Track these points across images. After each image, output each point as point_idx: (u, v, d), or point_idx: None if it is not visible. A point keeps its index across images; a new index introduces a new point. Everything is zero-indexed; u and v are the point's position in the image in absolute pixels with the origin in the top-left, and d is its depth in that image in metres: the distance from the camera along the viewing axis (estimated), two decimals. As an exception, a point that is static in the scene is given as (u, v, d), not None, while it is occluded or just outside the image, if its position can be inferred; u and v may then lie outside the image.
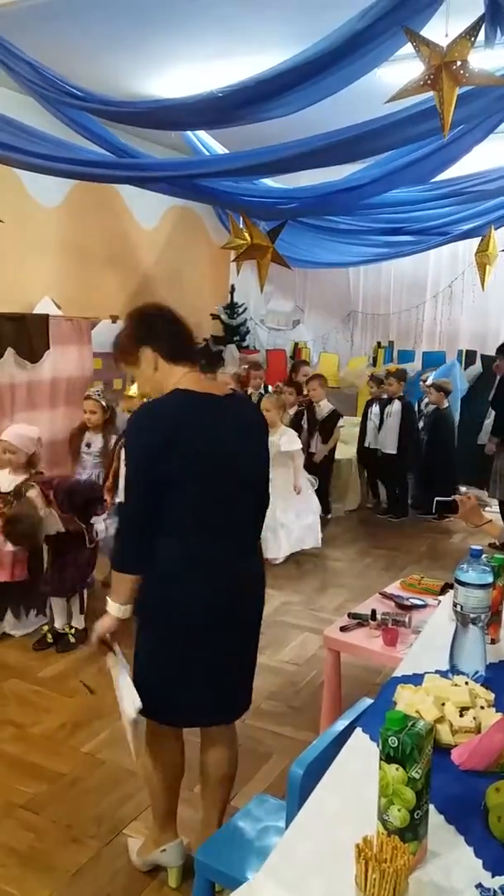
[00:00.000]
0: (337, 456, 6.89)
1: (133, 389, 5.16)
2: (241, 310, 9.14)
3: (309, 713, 3.33)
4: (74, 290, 7.52)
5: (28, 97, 5.32)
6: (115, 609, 2.12)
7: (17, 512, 3.77)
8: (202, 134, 6.13)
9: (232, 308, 9.10)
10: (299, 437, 5.91)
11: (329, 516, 6.64)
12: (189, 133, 6.06)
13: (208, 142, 6.13)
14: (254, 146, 4.83)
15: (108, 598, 2.14)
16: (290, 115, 4.37)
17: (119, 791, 2.79)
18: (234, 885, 1.78)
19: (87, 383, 6.93)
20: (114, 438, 4.66)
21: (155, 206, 8.54)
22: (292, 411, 6.70)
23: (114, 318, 7.72)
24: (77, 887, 2.33)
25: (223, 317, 9.09)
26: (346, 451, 7.21)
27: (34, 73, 4.74)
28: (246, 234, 5.44)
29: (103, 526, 4.09)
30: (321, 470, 6.37)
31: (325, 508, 6.46)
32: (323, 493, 6.33)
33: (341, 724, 1.81)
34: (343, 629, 3.04)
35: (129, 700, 2.08)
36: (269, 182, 6.15)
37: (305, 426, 6.55)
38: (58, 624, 4.09)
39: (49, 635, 4.06)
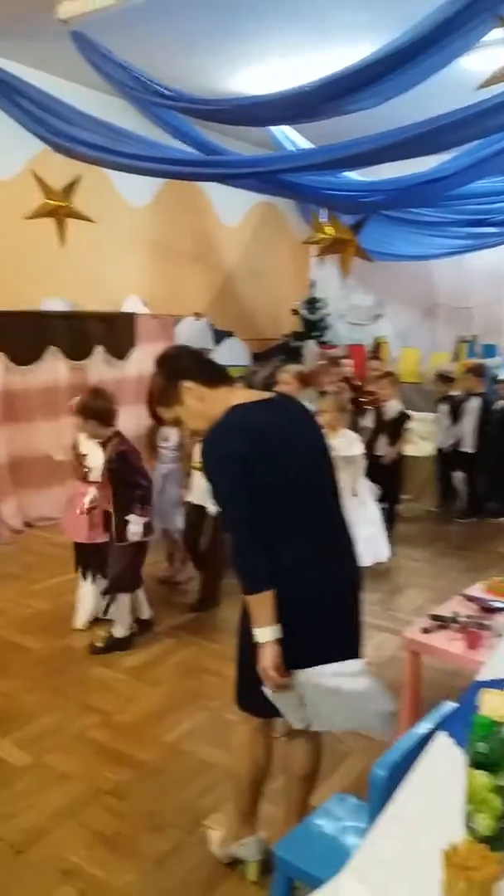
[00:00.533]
0: (415, 453, 6.72)
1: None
2: (321, 305, 9.09)
3: (389, 714, 3.28)
4: (159, 287, 7.67)
5: (117, 99, 5.47)
6: (269, 633, 2.01)
7: None
8: (287, 129, 6.13)
9: (312, 303, 9.07)
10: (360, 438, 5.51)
11: (399, 507, 6.28)
12: (274, 128, 6.07)
13: (293, 137, 6.13)
14: (337, 140, 4.80)
15: (253, 631, 2.03)
16: (376, 107, 4.33)
17: (200, 783, 2.83)
18: (313, 883, 1.79)
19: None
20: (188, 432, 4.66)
21: (238, 204, 8.61)
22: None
23: (197, 315, 7.85)
24: (160, 874, 2.38)
25: (303, 312, 9.07)
26: (424, 448, 7.03)
27: (125, 75, 4.87)
28: (328, 229, 5.41)
29: (137, 529, 3.85)
30: (389, 474, 5.87)
31: (390, 517, 5.87)
32: (392, 499, 5.90)
33: (424, 728, 1.78)
34: (424, 631, 2.98)
35: (349, 673, 2.07)
36: (353, 175, 6.09)
37: (372, 426, 6.14)
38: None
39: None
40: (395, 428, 6.04)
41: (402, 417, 6.11)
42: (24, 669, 3.76)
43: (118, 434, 3.96)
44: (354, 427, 5.73)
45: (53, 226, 5.61)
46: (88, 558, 4.17)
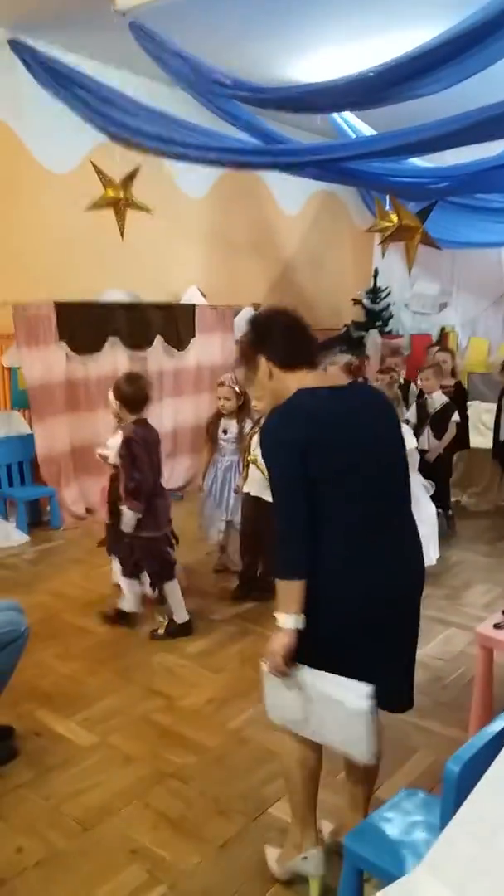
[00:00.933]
0: (483, 445, 6.56)
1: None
2: (384, 294, 8.96)
3: (457, 710, 3.24)
4: (218, 278, 7.68)
5: (177, 90, 5.48)
6: (292, 621, 1.98)
7: None
8: (349, 116, 6.06)
9: (375, 292, 8.95)
10: None
11: (450, 512, 6.09)
12: (335, 116, 6.00)
13: (355, 123, 6.05)
14: (400, 126, 4.71)
15: (275, 614, 2.01)
16: (441, 91, 4.23)
17: (263, 770, 2.84)
18: (383, 875, 1.78)
19: (229, 370, 7.08)
20: (249, 424, 4.67)
21: (298, 193, 8.54)
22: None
23: (255, 306, 7.82)
24: (224, 858, 2.41)
25: (365, 301, 8.96)
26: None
27: (184, 64, 4.88)
28: (393, 216, 5.33)
29: (128, 521, 3.83)
30: (436, 469, 5.60)
31: (446, 506, 5.87)
32: (443, 494, 5.71)
33: (499, 725, 1.74)
34: (497, 626, 2.92)
35: (354, 692, 1.96)
36: (417, 161, 5.97)
37: (413, 420, 5.85)
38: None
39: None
40: (439, 421, 5.75)
41: (448, 409, 5.81)
42: (88, 652, 3.84)
43: (139, 421, 3.91)
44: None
45: (113, 218, 5.68)
46: (109, 538, 4.29)
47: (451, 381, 6.39)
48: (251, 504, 4.41)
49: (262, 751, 2.97)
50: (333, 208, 9.19)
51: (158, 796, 2.71)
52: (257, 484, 4.27)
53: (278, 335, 2.16)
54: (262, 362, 2.14)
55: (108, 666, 3.69)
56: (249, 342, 2.19)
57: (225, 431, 4.80)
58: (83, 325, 6.04)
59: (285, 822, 2.42)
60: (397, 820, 1.94)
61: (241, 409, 4.76)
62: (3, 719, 3.08)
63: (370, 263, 9.37)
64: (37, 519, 5.93)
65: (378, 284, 8.97)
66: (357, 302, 9.02)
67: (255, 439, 4.11)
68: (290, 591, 1.98)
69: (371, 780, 2.34)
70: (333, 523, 2.00)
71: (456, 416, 5.84)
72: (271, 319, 2.22)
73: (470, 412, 6.79)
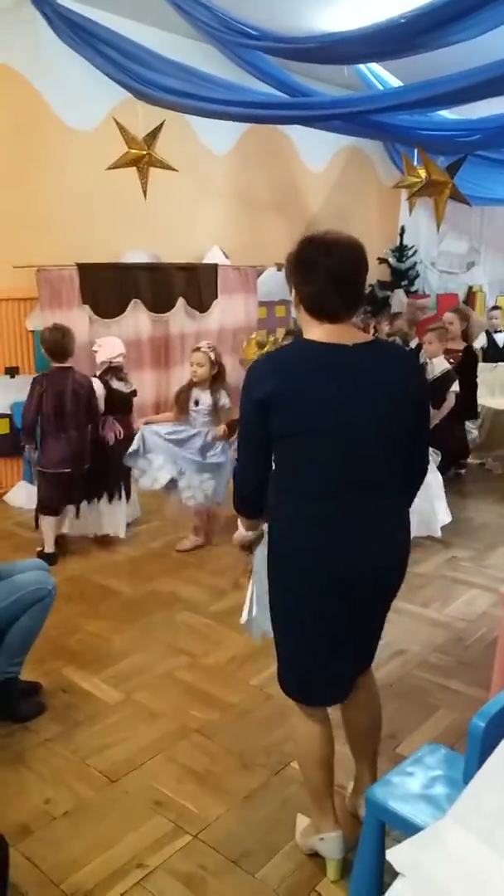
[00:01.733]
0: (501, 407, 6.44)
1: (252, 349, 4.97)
2: (410, 252, 8.78)
3: (479, 670, 3.23)
4: (241, 237, 7.56)
5: (200, 43, 5.34)
6: (243, 528, 2.25)
7: None
8: (376, 67, 5.88)
9: (401, 251, 8.77)
10: None
11: (463, 472, 6.13)
12: (362, 67, 5.82)
13: (383, 75, 5.87)
14: (429, 77, 4.55)
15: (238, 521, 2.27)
16: (474, 39, 4.06)
17: (286, 725, 2.83)
18: (405, 827, 1.80)
19: (252, 332, 7.01)
20: (224, 396, 4.52)
21: (324, 148, 8.35)
22: None
23: (279, 266, 7.72)
24: (248, 809, 2.45)
25: (391, 260, 8.80)
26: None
27: (209, 15, 4.74)
28: (421, 172, 5.18)
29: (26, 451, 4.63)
30: (438, 437, 5.11)
31: (459, 465, 5.94)
32: (447, 461, 5.41)
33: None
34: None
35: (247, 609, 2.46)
36: (446, 114, 5.79)
37: None
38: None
39: None
40: (436, 390, 5.40)
41: (447, 379, 5.49)
42: (113, 611, 3.89)
43: (57, 369, 4.53)
44: None
45: (136, 177, 5.59)
46: None
47: (459, 346, 6.01)
48: None
49: (284, 706, 2.93)
50: (360, 164, 8.98)
51: (183, 751, 2.75)
52: None
53: (316, 278, 1.94)
54: (294, 296, 2.03)
55: (133, 625, 3.73)
56: (289, 269, 2.03)
57: (197, 402, 4.53)
58: (106, 287, 5.99)
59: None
60: (420, 774, 1.95)
61: (216, 379, 4.53)
62: (31, 676, 3.14)
63: (396, 221, 9.17)
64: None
65: (404, 242, 8.79)
66: (382, 261, 8.86)
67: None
68: (243, 519, 2.23)
69: (372, 743, 2.33)
70: (291, 482, 1.97)
71: (455, 387, 5.52)
72: (317, 257, 1.93)
73: (494, 374, 6.66)
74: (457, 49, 4.15)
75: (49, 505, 4.55)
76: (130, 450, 4.52)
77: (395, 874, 1.25)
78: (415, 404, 2.03)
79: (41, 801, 2.49)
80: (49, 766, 2.67)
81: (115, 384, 4.72)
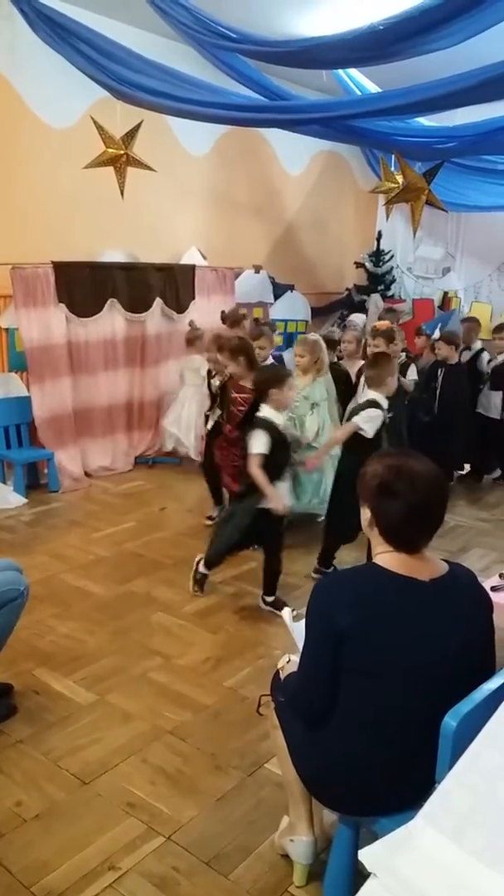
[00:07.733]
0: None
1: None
2: (387, 257, 8.84)
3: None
4: (219, 239, 7.57)
5: (180, 44, 5.33)
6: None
7: None
8: (354, 73, 5.90)
9: (378, 255, 8.82)
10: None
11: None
12: (341, 73, 5.85)
13: (361, 81, 5.90)
14: (408, 84, 4.58)
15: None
16: (452, 47, 4.10)
17: (260, 728, 2.86)
18: (380, 827, 1.81)
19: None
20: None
21: (302, 152, 8.39)
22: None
23: (257, 268, 7.74)
24: (222, 811, 2.45)
25: (368, 265, 8.85)
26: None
27: (188, 17, 4.74)
28: (398, 177, 5.22)
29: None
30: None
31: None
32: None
33: (496, 682, 1.76)
34: (493, 589, 2.93)
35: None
36: (423, 121, 5.84)
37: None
38: None
39: None
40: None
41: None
42: (87, 612, 3.86)
43: None
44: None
45: (113, 176, 5.56)
46: None
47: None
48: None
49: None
50: (337, 168, 9.03)
51: (156, 752, 2.74)
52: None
53: (398, 510, 1.84)
54: (370, 513, 1.92)
55: (107, 626, 3.71)
56: (367, 489, 1.91)
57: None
58: (82, 286, 5.96)
59: (280, 777, 2.44)
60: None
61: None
62: (2, 677, 3.11)
63: (373, 226, 9.23)
64: (35, 482, 5.92)
65: (381, 247, 8.85)
66: (359, 265, 8.91)
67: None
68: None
69: None
70: (348, 710, 1.85)
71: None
72: (403, 490, 1.84)
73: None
74: (435, 57, 4.19)
75: None
76: None
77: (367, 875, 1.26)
78: (484, 628, 1.94)
79: (12, 803, 2.47)
80: (20, 768, 2.65)
81: None
